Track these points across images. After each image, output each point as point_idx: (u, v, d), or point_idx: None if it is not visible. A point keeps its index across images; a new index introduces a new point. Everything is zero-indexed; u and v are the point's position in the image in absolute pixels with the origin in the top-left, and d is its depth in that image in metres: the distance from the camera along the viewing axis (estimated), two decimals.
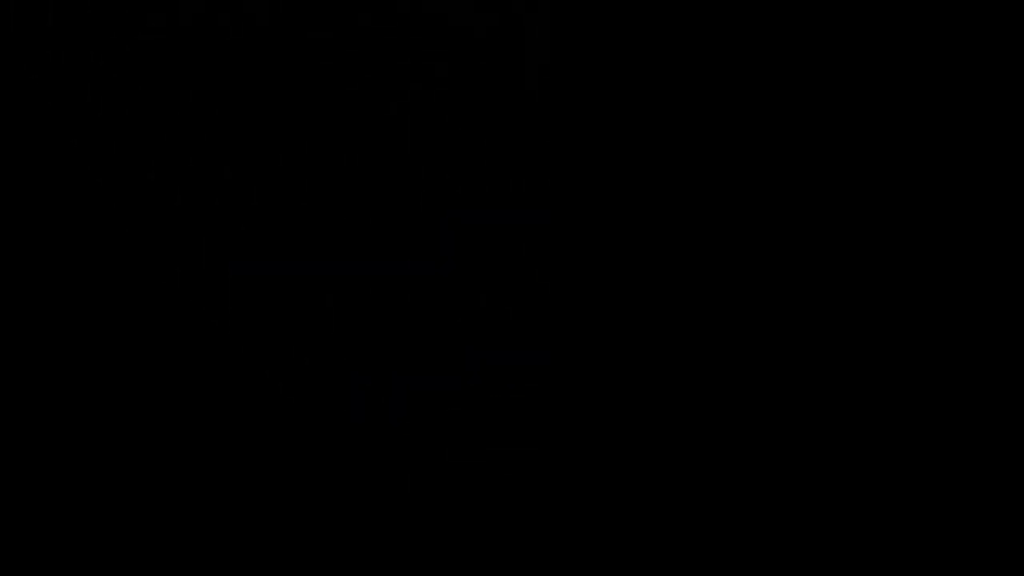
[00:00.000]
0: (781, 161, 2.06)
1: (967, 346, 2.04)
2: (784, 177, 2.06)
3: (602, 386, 2.04)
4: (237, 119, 1.94)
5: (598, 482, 2.02)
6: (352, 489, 1.94)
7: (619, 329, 2.04)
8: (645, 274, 2.04)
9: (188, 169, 1.92)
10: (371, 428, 1.95)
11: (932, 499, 2.02)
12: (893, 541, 2.02)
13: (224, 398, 1.92)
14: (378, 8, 1.94)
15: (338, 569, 1.92)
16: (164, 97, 1.91)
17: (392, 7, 1.94)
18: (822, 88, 2.05)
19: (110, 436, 1.90)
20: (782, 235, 2.06)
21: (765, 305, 2.07)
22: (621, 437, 2.05)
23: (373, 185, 1.98)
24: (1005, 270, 2.03)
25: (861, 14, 2.03)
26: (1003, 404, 2.01)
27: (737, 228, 2.05)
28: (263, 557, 1.90)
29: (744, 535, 2.02)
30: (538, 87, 1.95)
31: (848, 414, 2.04)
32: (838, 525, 2.02)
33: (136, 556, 1.88)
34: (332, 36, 1.93)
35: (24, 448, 1.87)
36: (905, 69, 2.05)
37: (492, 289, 1.98)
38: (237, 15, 1.91)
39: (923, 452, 2.04)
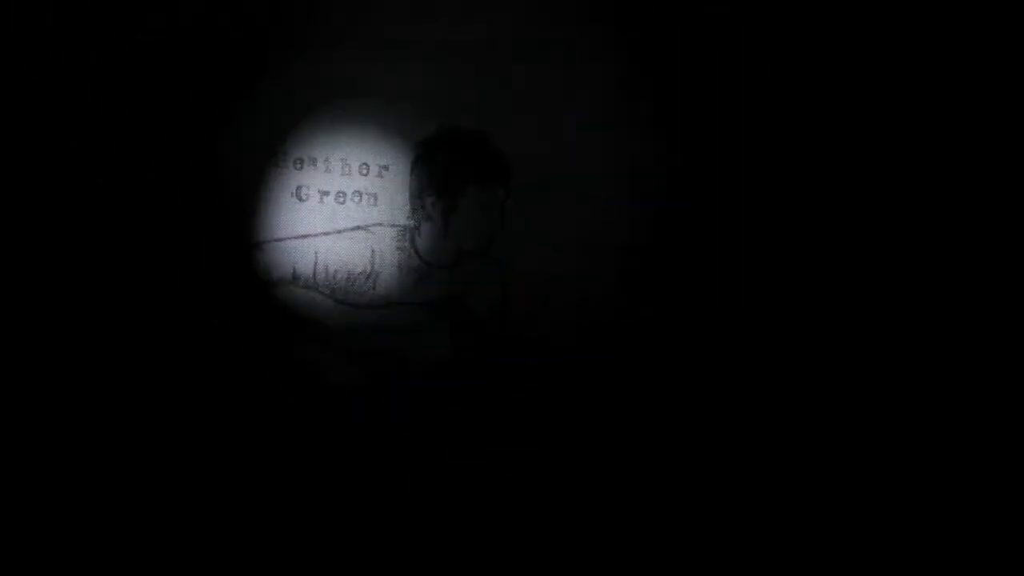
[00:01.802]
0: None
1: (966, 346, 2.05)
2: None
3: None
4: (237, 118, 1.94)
5: (598, 483, 2.04)
6: (352, 489, 1.94)
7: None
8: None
9: (188, 169, 1.92)
10: (371, 428, 1.95)
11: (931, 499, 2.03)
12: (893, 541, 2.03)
13: (224, 397, 1.92)
14: None
15: (338, 569, 1.92)
16: (164, 97, 1.91)
17: None
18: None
19: (111, 435, 1.90)
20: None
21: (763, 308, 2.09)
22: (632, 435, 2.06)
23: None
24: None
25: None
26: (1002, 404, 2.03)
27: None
28: (263, 556, 1.91)
29: (743, 533, 2.04)
30: None
31: None
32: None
33: (135, 555, 1.88)
34: None
35: (23, 447, 1.87)
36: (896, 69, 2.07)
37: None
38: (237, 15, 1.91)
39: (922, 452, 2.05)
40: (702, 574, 2.01)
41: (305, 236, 1.96)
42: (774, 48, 2.06)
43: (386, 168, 2.00)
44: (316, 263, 1.95)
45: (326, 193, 1.98)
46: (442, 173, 1.96)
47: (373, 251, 1.97)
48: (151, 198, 1.91)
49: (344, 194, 1.99)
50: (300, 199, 1.97)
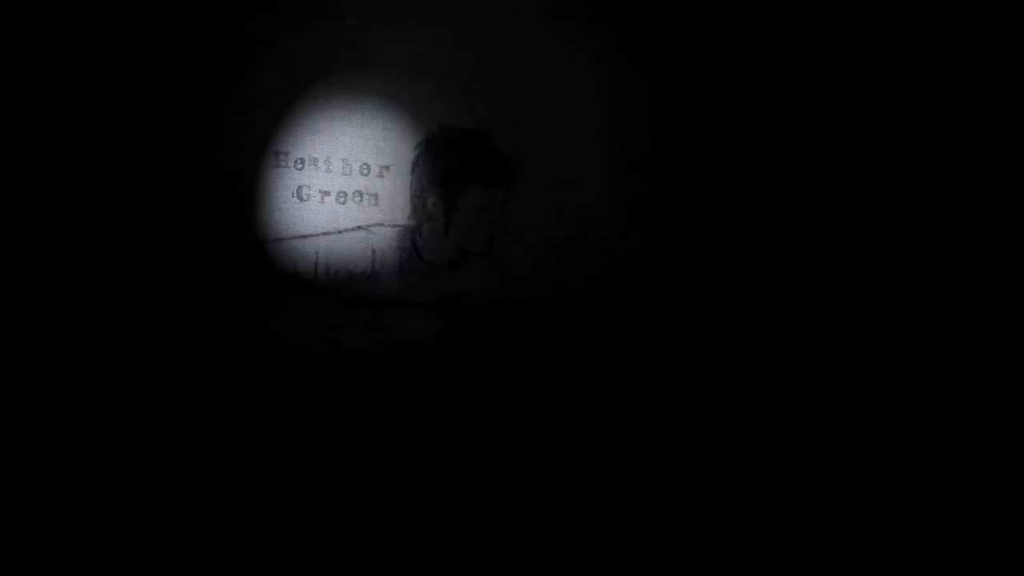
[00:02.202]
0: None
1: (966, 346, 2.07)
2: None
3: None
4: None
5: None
6: (350, 488, 1.95)
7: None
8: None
9: (189, 169, 1.91)
10: (370, 428, 1.95)
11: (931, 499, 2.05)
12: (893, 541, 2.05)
13: (224, 396, 1.92)
14: None
15: (337, 565, 1.93)
16: (165, 96, 1.90)
17: None
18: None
19: (112, 434, 1.89)
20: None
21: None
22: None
23: None
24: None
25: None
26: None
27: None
28: (263, 553, 1.91)
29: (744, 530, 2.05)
30: None
31: None
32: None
33: (134, 555, 1.88)
34: None
35: (24, 446, 1.86)
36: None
37: None
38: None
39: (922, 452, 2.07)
40: (702, 573, 2.02)
41: (306, 236, 1.95)
42: (770, 50, 2.07)
43: (387, 168, 2.00)
44: (317, 263, 1.94)
45: (327, 193, 1.98)
46: (443, 173, 1.97)
47: (374, 251, 1.97)
48: (151, 198, 1.90)
49: (345, 194, 1.99)
50: (301, 199, 1.97)
